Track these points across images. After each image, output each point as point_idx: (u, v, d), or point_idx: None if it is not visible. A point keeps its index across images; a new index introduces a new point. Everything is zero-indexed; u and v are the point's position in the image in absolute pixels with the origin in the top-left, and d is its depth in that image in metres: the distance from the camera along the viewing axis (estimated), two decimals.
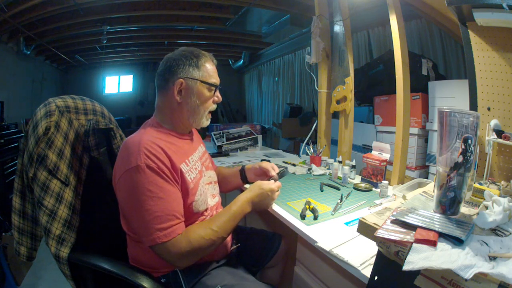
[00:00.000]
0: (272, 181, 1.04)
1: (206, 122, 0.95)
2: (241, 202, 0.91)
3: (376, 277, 0.59)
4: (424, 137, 1.67)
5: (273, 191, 0.98)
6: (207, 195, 0.95)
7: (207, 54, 0.93)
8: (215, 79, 0.93)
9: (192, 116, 0.91)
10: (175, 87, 0.87)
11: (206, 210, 0.93)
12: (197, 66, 0.89)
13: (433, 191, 0.69)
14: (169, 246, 0.74)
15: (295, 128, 4.15)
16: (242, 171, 1.19)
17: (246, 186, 1.34)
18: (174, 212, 0.77)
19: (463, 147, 0.59)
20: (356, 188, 1.30)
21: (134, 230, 0.81)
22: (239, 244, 1.06)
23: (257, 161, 1.48)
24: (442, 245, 0.51)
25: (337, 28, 1.71)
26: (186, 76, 0.87)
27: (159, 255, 0.76)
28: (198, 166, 0.94)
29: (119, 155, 0.81)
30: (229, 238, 1.00)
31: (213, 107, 0.96)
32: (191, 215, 0.87)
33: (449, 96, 1.50)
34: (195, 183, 0.88)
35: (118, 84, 7.15)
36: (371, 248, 0.72)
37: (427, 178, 1.57)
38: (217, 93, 0.95)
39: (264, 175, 1.13)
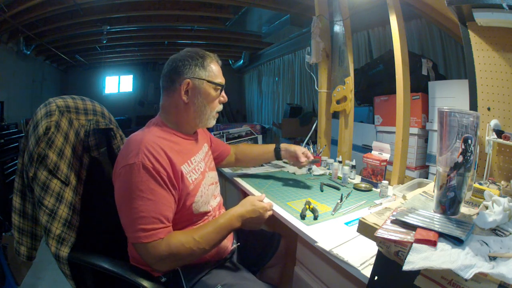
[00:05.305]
0: (265, 199, 1.02)
1: (212, 121, 0.97)
2: (230, 216, 0.87)
3: (376, 277, 0.59)
4: (424, 137, 1.66)
5: (265, 209, 0.93)
6: (209, 196, 0.95)
7: (211, 55, 0.94)
8: (220, 79, 0.94)
9: (198, 117, 0.92)
10: (182, 87, 0.87)
11: (208, 211, 0.93)
12: (203, 66, 0.90)
13: (433, 191, 0.69)
14: (148, 248, 0.74)
15: (295, 128, 4.14)
16: (278, 152, 1.37)
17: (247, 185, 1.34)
18: (160, 216, 0.76)
19: (463, 147, 0.59)
20: (356, 188, 1.30)
21: (122, 224, 0.80)
22: (239, 244, 1.06)
23: None
24: (442, 245, 0.51)
25: (337, 28, 1.71)
26: (193, 76, 0.88)
27: (139, 254, 0.77)
28: (201, 167, 0.95)
29: (121, 150, 0.83)
30: (229, 238, 1.00)
31: (220, 107, 0.97)
32: (192, 216, 0.87)
33: (449, 96, 1.50)
34: (196, 184, 0.88)
35: (118, 84, 7.14)
36: (371, 248, 0.72)
37: (427, 178, 1.57)
38: (223, 93, 0.97)
39: (296, 158, 1.31)
